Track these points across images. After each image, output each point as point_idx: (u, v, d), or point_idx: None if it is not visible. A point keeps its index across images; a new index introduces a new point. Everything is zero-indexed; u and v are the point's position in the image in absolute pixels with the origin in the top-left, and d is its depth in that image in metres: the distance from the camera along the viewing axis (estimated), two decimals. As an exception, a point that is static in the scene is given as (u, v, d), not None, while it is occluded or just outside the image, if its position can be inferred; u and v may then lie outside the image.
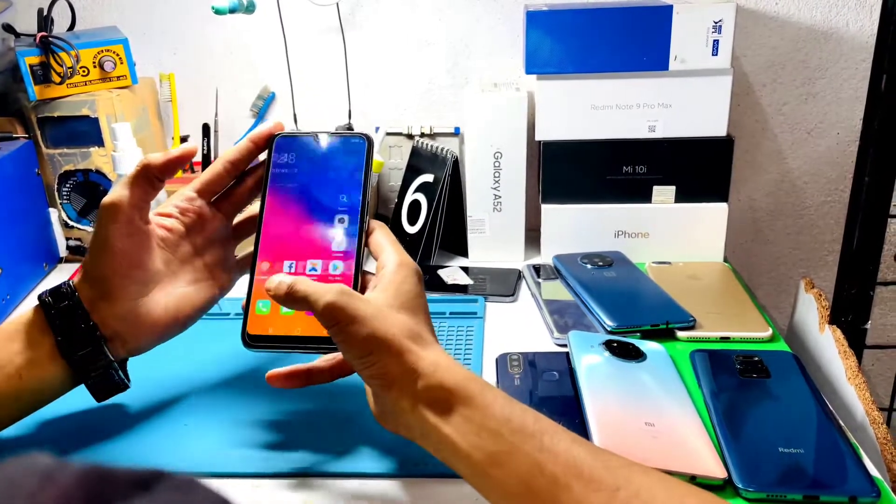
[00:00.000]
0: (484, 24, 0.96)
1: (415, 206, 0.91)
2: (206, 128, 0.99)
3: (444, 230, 0.90)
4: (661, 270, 0.85)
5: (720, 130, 0.85)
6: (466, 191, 0.90)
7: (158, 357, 0.57)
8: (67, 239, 0.92)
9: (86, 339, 0.52)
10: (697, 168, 0.86)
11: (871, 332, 0.83)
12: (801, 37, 0.95)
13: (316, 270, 0.53)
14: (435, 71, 0.99)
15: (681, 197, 0.87)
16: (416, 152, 0.95)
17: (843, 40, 0.95)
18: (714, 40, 0.82)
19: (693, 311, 0.72)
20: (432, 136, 0.98)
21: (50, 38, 0.83)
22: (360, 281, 0.53)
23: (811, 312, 0.82)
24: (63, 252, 0.91)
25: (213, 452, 0.55)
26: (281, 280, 0.48)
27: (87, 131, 0.86)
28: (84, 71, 0.86)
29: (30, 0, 0.94)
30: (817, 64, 0.96)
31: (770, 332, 0.70)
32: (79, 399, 0.55)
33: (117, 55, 0.88)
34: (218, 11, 0.87)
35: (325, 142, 0.57)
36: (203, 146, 0.99)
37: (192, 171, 0.99)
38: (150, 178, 0.53)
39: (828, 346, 0.76)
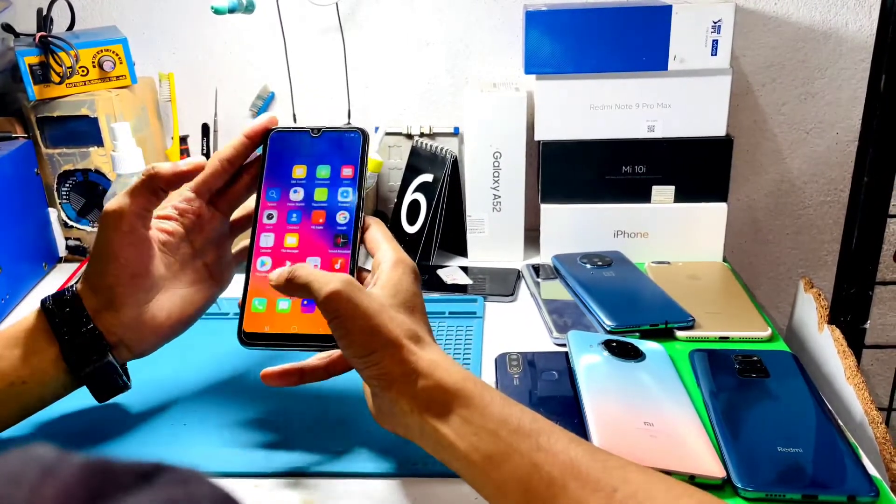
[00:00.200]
0: (483, 24, 0.96)
1: (414, 205, 0.91)
2: (205, 127, 0.99)
3: (444, 230, 0.90)
4: (661, 270, 0.85)
5: (719, 130, 0.85)
6: (466, 191, 0.90)
7: (157, 357, 0.57)
8: (67, 239, 0.92)
9: (91, 348, 0.52)
10: (697, 168, 0.86)
11: (870, 331, 0.83)
12: (801, 37, 0.95)
13: (315, 267, 0.53)
14: (434, 71, 0.99)
15: (680, 197, 0.87)
16: (415, 152, 0.95)
17: (842, 40, 0.95)
18: (713, 40, 0.82)
19: (692, 311, 0.72)
20: (432, 135, 0.98)
21: (49, 38, 0.83)
22: (356, 277, 0.52)
23: (810, 312, 0.82)
24: (62, 252, 0.91)
25: (213, 452, 0.55)
26: (281, 271, 0.48)
27: (86, 131, 0.86)
28: (83, 71, 0.86)
29: (29, 0, 0.94)
30: (816, 64, 0.96)
31: (769, 331, 0.70)
32: (77, 399, 0.55)
33: (116, 55, 0.88)
34: (217, 11, 0.87)
35: (319, 136, 0.57)
36: (203, 146, 0.99)
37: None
38: (154, 189, 0.52)
39: (827, 345, 0.76)
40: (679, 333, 0.71)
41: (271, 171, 0.56)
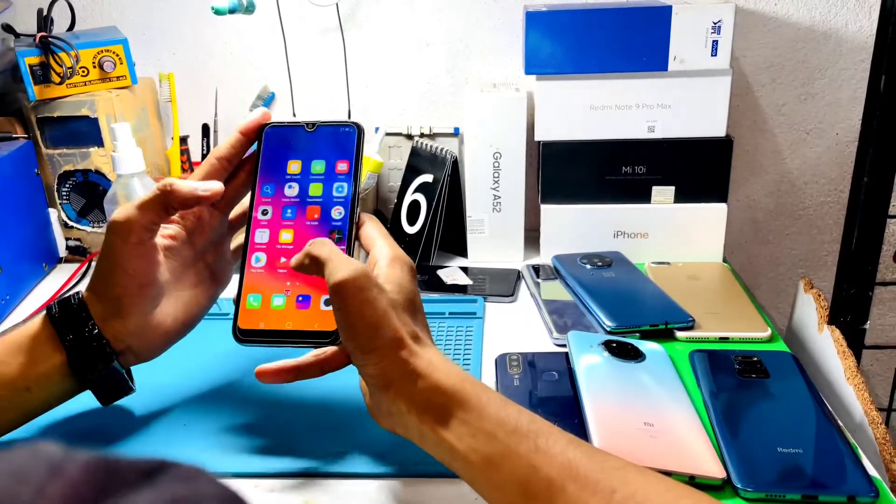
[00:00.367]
0: (483, 24, 0.96)
1: (414, 206, 0.91)
2: (205, 128, 0.99)
3: (444, 230, 0.90)
4: (661, 271, 0.85)
5: (719, 131, 0.86)
6: (466, 191, 0.90)
7: (158, 358, 0.57)
8: (67, 239, 0.92)
9: (97, 355, 0.52)
10: (697, 168, 0.86)
11: (869, 332, 0.83)
12: (801, 37, 0.95)
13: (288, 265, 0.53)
14: (434, 71, 0.99)
15: (680, 197, 0.87)
16: (415, 152, 0.95)
17: (842, 41, 0.95)
18: (713, 41, 0.82)
19: (692, 312, 0.72)
20: (432, 136, 0.98)
21: (50, 39, 0.83)
22: None
23: (810, 312, 0.82)
24: (62, 252, 0.91)
25: (213, 452, 0.55)
26: (299, 253, 0.48)
27: (86, 131, 0.86)
28: (84, 71, 0.86)
29: (29, 0, 0.94)
30: (816, 64, 0.96)
31: (769, 332, 0.70)
32: (78, 400, 0.55)
33: (117, 55, 0.88)
34: (218, 12, 0.87)
35: (314, 131, 0.56)
36: (203, 146, 0.99)
37: (192, 171, 0.99)
38: (166, 207, 0.51)
39: (827, 346, 0.76)
40: (679, 334, 0.71)
41: (266, 166, 0.56)
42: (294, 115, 1.00)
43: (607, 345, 0.65)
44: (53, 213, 0.90)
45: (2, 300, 0.79)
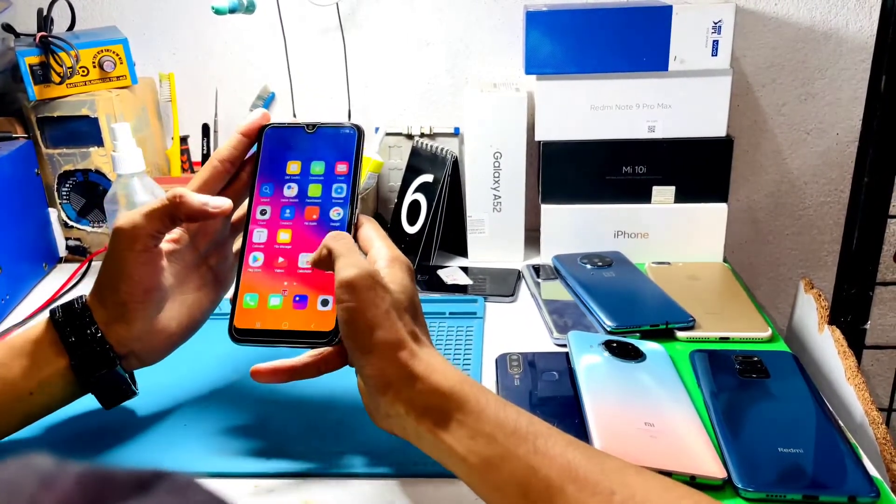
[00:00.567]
0: (483, 24, 0.96)
1: (414, 206, 0.91)
2: (205, 128, 0.99)
3: (444, 230, 0.90)
4: (661, 271, 0.85)
5: (720, 131, 0.85)
6: (466, 191, 0.90)
7: (158, 357, 0.57)
8: (67, 239, 0.91)
9: (101, 361, 0.52)
10: (697, 168, 0.86)
11: (870, 332, 0.83)
12: (801, 37, 0.95)
13: (308, 263, 0.53)
14: (434, 71, 0.99)
15: (680, 197, 0.87)
16: (415, 152, 0.95)
17: (842, 41, 0.95)
18: (713, 41, 0.82)
19: (692, 312, 0.72)
20: (432, 136, 0.98)
21: (50, 38, 0.83)
22: None
23: (810, 313, 0.82)
24: (62, 252, 0.91)
25: (213, 453, 0.55)
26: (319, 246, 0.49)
27: (86, 131, 0.86)
28: (84, 71, 0.86)
29: (29, 0, 0.94)
30: (816, 64, 0.96)
31: (769, 332, 0.70)
32: (78, 401, 0.55)
33: (117, 55, 0.88)
34: (218, 11, 0.86)
35: (314, 132, 0.56)
36: (203, 146, 0.99)
37: (192, 172, 0.99)
38: (173, 217, 0.51)
39: (827, 346, 0.76)
40: (679, 334, 0.71)
41: (265, 166, 0.56)
42: (294, 116, 1.00)
43: (608, 345, 0.65)
44: (53, 213, 0.90)
45: (2, 300, 0.79)
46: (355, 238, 0.53)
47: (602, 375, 0.61)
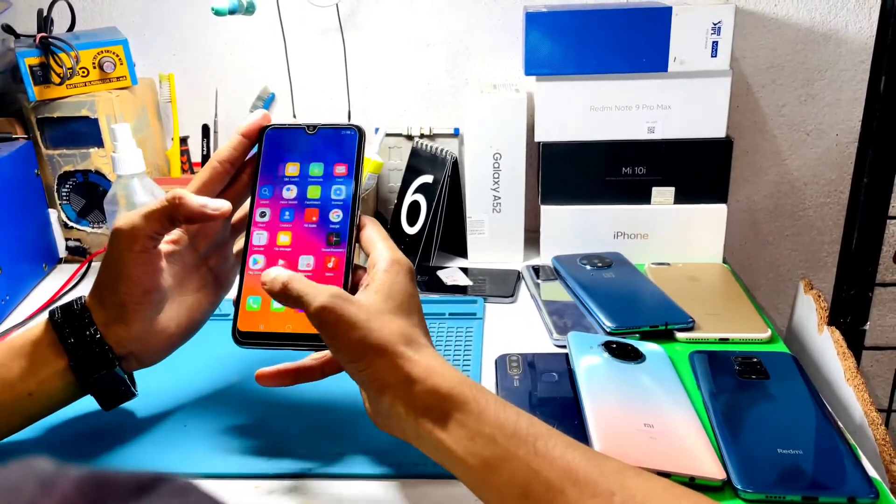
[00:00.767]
0: (483, 24, 0.97)
1: (414, 206, 0.91)
2: (205, 128, 0.99)
3: (444, 231, 0.90)
4: (661, 271, 0.85)
5: (719, 132, 0.86)
6: (466, 192, 0.90)
7: (158, 358, 0.57)
8: (67, 239, 0.92)
9: (101, 362, 0.52)
10: (697, 169, 0.86)
11: (869, 333, 0.83)
12: (800, 38, 0.95)
13: (308, 266, 0.53)
14: (434, 72, 0.99)
15: (680, 198, 0.87)
16: (415, 153, 0.95)
17: (842, 42, 0.95)
18: (713, 42, 0.82)
19: (692, 313, 0.72)
20: (432, 136, 0.98)
21: (50, 39, 0.83)
22: (350, 276, 0.52)
23: (810, 314, 0.82)
24: (62, 253, 0.91)
25: (213, 454, 0.55)
26: (276, 275, 0.48)
27: (86, 132, 0.86)
28: (84, 72, 0.86)
29: (30, 0, 0.94)
30: (816, 65, 0.96)
31: (769, 333, 0.70)
32: (78, 402, 0.55)
33: (117, 56, 0.88)
34: (218, 12, 0.87)
35: (315, 134, 0.56)
36: (203, 147, 0.99)
37: (192, 173, 0.99)
38: (172, 218, 0.51)
39: (826, 347, 0.76)
40: (679, 335, 0.71)
41: (265, 168, 0.55)
42: (294, 116, 1.00)
43: (607, 346, 0.65)
44: (53, 214, 0.90)
45: (2, 300, 0.79)
46: (358, 239, 0.53)
47: (602, 376, 0.61)
